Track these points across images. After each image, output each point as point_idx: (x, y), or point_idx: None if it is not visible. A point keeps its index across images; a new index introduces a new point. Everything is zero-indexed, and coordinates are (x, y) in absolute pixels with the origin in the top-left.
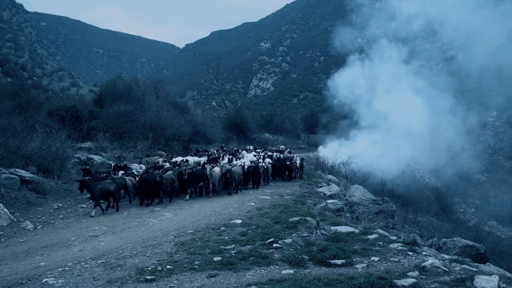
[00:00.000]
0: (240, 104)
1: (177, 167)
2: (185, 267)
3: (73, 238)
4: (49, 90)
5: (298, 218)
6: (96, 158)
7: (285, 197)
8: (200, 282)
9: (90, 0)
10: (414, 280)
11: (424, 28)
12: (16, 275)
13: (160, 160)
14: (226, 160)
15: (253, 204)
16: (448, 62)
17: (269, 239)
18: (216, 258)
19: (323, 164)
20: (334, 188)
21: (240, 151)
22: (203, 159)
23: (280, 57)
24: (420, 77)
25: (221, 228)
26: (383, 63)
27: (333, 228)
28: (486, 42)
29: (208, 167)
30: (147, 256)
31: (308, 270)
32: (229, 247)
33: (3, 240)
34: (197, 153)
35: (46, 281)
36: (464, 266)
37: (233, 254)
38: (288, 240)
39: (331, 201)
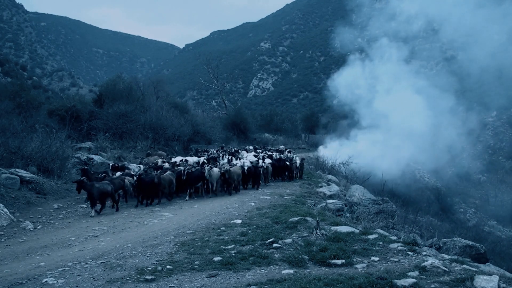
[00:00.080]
0: (240, 104)
1: (176, 167)
2: (185, 267)
3: (73, 238)
4: (49, 90)
5: (298, 218)
6: (96, 158)
7: (285, 197)
8: (200, 282)
9: (90, 0)
10: (414, 280)
11: (424, 28)
12: (16, 275)
13: (159, 160)
14: (225, 160)
15: (253, 204)
16: (448, 62)
17: (269, 239)
18: (216, 258)
19: (323, 164)
20: (334, 188)
21: (239, 151)
22: (202, 159)
23: (280, 57)
24: (420, 77)
25: (221, 228)
26: (383, 62)
27: (333, 228)
28: (486, 42)
29: (206, 167)
30: (147, 256)
31: (308, 270)
32: (229, 247)
33: (3, 240)
34: (196, 153)
35: (46, 281)
36: (464, 266)
37: (233, 254)
38: (288, 240)
39: (331, 201)
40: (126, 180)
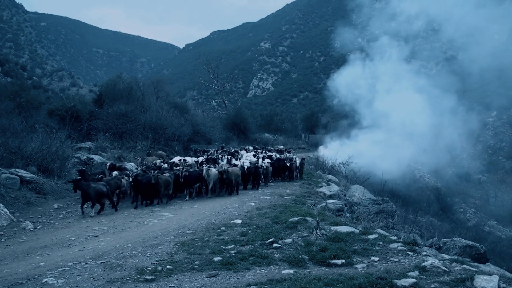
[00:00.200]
0: (240, 104)
1: (175, 168)
2: (185, 267)
3: (73, 238)
4: (49, 90)
5: (298, 218)
6: (96, 158)
7: (285, 197)
8: (200, 282)
9: (90, 0)
10: (414, 280)
11: (424, 28)
12: (16, 275)
13: (158, 161)
14: (225, 160)
15: (253, 204)
16: (448, 62)
17: (269, 239)
18: (216, 258)
19: (323, 164)
20: (334, 188)
21: (239, 151)
22: (201, 159)
23: (280, 57)
24: (420, 77)
25: (221, 228)
26: (383, 62)
27: (333, 228)
28: (486, 42)
29: (204, 167)
30: (147, 256)
31: (308, 270)
32: (229, 247)
33: (3, 240)
34: (195, 153)
35: (46, 281)
36: (464, 266)
37: (233, 254)
38: (288, 240)
39: (331, 201)
40: (123, 181)
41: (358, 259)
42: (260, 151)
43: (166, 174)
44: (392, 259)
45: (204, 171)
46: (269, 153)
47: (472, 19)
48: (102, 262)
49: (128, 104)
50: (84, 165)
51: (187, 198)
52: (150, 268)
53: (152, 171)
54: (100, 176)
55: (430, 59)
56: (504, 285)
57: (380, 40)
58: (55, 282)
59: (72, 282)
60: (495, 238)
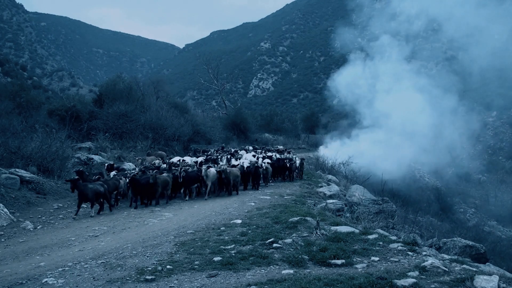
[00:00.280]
0: (240, 104)
1: (173, 168)
2: (185, 267)
3: (73, 238)
4: (49, 90)
5: (298, 218)
6: (96, 158)
7: (285, 197)
8: (200, 282)
9: (90, 0)
10: (414, 280)
11: (424, 28)
12: (16, 275)
13: (157, 161)
14: (224, 160)
15: (253, 204)
16: (448, 62)
17: (269, 239)
18: (216, 258)
19: (323, 164)
20: (334, 188)
21: (238, 151)
22: (201, 159)
23: (280, 57)
24: (420, 76)
25: (221, 228)
26: (383, 62)
27: (333, 228)
28: (486, 41)
29: (203, 168)
30: (147, 256)
31: (308, 270)
32: (229, 247)
33: (3, 240)
34: (195, 153)
35: (46, 281)
36: (464, 266)
37: (233, 254)
38: (288, 240)
39: (331, 201)
40: (121, 181)
41: (358, 259)
42: (259, 151)
43: (165, 174)
44: (392, 259)
45: (203, 171)
46: (269, 153)
47: (473, 19)
48: (102, 262)
49: (128, 104)
50: (84, 165)
51: (187, 198)
52: (150, 268)
53: (151, 171)
54: (97, 176)
55: (430, 59)
56: (504, 285)
57: (380, 40)
58: (55, 282)
59: (72, 282)
60: (495, 238)
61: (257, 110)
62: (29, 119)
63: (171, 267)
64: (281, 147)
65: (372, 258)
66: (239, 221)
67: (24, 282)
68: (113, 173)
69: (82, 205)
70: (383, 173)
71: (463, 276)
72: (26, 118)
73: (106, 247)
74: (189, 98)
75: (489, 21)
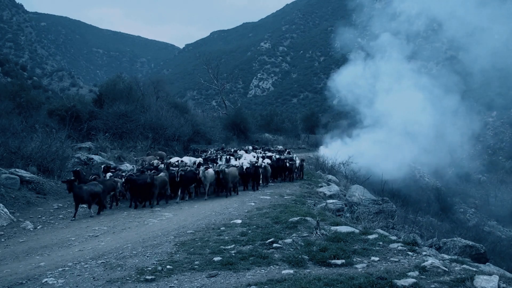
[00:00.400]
0: (240, 104)
1: (171, 168)
2: (185, 267)
3: (73, 238)
4: (49, 90)
5: (298, 218)
6: (96, 158)
7: (285, 197)
8: (200, 282)
9: (90, 0)
10: (414, 280)
11: (424, 28)
12: (16, 275)
13: (155, 161)
14: (223, 161)
15: (253, 204)
16: (448, 62)
17: (269, 239)
18: (216, 258)
19: (323, 164)
20: (334, 188)
21: (238, 151)
22: (199, 159)
23: (280, 57)
24: (420, 76)
25: (221, 228)
26: (383, 62)
27: (333, 228)
28: (487, 41)
29: (201, 168)
30: (147, 256)
31: (308, 270)
32: (229, 247)
33: (3, 240)
34: (194, 153)
35: (46, 281)
36: (464, 266)
37: (233, 254)
38: (288, 240)
39: (331, 201)
40: (118, 182)
41: (358, 259)
42: (259, 151)
43: (162, 174)
44: (392, 259)
45: (201, 172)
46: (269, 153)
47: (473, 19)
48: (102, 262)
49: (128, 104)
50: (84, 165)
51: (187, 198)
52: (150, 268)
53: (148, 171)
54: (94, 177)
55: (430, 59)
56: (504, 285)
57: (381, 40)
58: (55, 282)
59: (72, 282)
60: (495, 238)
61: (257, 110)
62: (29, 119)
63: (171, 267)
64: (281, 147)
65: (372, 258)
66: (239, 221)
67: (24, 282)
68: (109, 174)
69: (82, 205)
70: (383, 173)
71: (463, 276)
72: (26, 118)
73: (106, 247)
74: (189, 98)
75: (489, 21)
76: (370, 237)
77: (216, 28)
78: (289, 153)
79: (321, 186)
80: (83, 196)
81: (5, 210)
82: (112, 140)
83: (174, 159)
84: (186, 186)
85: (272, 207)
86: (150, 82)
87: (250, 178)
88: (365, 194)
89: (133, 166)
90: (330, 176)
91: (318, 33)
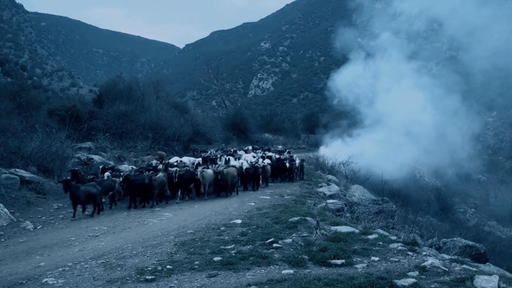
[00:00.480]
0: (240, 104)
1: (170, 168)
2: (185, 267)
3: (73, 238)
4: (49, 90)
5: (298, 218)
6: (96, 158)
7: (285, 197)
8: (200, 282)
9: (90, 0)
10: (414, 280)
11: (425, 28)
12: (16, 275)
13: (154, 161)
14: (223, 161)
15: (253, 204)
16: (448, 62)
17: (269, 239)
18: (216, 258)
19: (323, 164)
20: (334, 188)
21: (237, 151)
22: (199, 159)
23: (280, 57)
24: (421, 76)
25: (221, 228)
26: (383, 62)
27: (333, 228)
28: (487, 41)
29: (199, 169)
30: (147, 256)
31: (308, 270)
32: (229, 247)
33: (3, 240)
34: (194, 153)
35: (46, 281)
36: (464, 266)
37: (233, 254)
38: (288, 240)
39: (331, 201)
40: (117, 182)
41: (358, 259)
42: (259, 151)
43: (161, 175)
44: (392, 259)
45: (199, 173)
46: (269, 154)
47: (473, 18)
48: (102, 262)
49: (128, 104)
50: (84, 165)
51: (187, 198)
52: (150, 268)
53: (147, 171)
54: (92, 177)
55: (430, 59)
56: (504, 285)
57: (381, 40)
58: (55, 282)
59: (72, 282)
60: (495, 238)
61: (257, 110)
62: (29, 119)
63: (171, 267)
64: (280, 147)
65: (372, 258)
66: (239, 221)
67: (24, 282)
68: (107, 174)
69: (89, 204)
70: (383, 173)
71: (463, 276)
72: (26, 118)
73: (106, 247)
74: (189, 98)
75: (490, 20)
76: (370, 237)
77: (216, 28)
78: (289, 153)
79: (321, 186)
80: (79, 196)
81: (5, 210)
82: (112, 140)
83: (173, 159)
84: (185, 187)
85: (272, 207)
86: (150, 82)
87: (249, 179)
88: (365, 194)
89: (131, 167)
90: (330, 176)
91: (318, 33)
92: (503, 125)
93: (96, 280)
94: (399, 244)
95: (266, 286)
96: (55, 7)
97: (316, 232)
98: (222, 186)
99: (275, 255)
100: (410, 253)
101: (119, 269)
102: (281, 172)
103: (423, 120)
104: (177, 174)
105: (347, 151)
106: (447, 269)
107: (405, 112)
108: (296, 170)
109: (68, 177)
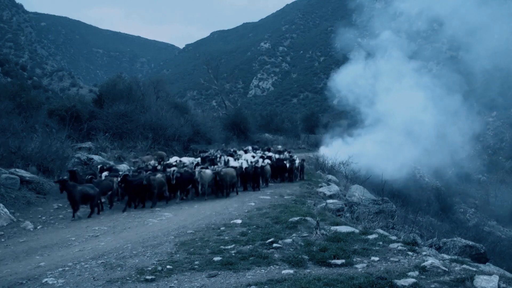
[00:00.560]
0: (240, 104)
1: (168, 169)
2: (185, 267)
3: (73, 238)
4: (49, 90)
5: (298, 218)
6: (96, 158)
7: (285, 197)
8: (200, 282)
9: (90, 0)
10: (414, 280)
11: (425, 28)
12: (16, 275)
13: (152, 162)
14: (222, 161)
15: (253, 204)
16: (448, 62)
17: (269, 239)
18: (216, 258)
19: (323, 164)
20: (334, 188)
21: (237, 151)
22: (197, 160)
23: (280, 57)
24: (421, 76)
25: (221, 228)
26: (383, 62)
27: (333, 228)
28: (487, 41)
29: (197, 169)
30: (147, 256)
31: (308, 270)
32: (229, 247)
33: (3, 240)
34: (193, 153)
35: (46, 281)
36: (464, 266)
37: (233, 254)
38: (288, 240)
39: (331, 201)
40: (115, 182)
41: (358, 259)
42: (259, 151)
43: (159, 175)
44: (392, 259)
45: (196, 173)
46: (269, 154)
47: (473, 18)
48: (102, 262)
49: (128, 104)
50: (84, 165)
51: (184, 197)
52: (150, 268)
53: (145, 172)
54: (90, 177)
55: (430, 59)
56: (504, 285)
57: (381, 40)
58: (55, 282)
59: (72, 282)
60: (495, 238)
61: (257, 110)
62: (29, 119)
63: (171, 267)
64: (280, 147)
65: (372, 258)
66: (239, 221)
67: (24, 282)
68: (104, 174)
69: (82, 205)
70: (383, 173)
71: (463, 276)
72: (26, 118)
73: (106, 247)
74: (189, 98)
75: (490, 20)
76: (370, 237)
77: (216, 28)
78: (289, 153)
79: (321, 186)
80: (74, 196)
81: (5, 210)
82: (112, 140)
83: (172, 159)
84: (183, 187)
85: (272, 207)
86: (150, 82)
87: (249, 179)
88: (365, 194)
89: (130, 167)
90: (330, 176)
91: (318, 33)
92: (503, 125)
93: (96, 280)
94: (399, 244)
95: (266, 286)
96: (55, 7)
97: (316, 232)
98: (220, 187)
99: (275, 255)
100: (410, 253)
101: (119, 269)
102: (281, 172)
103: (423, 120)
104: (175, 175)
105: (347, 151)
106: (447, 269)
107: (405, 112)
108: (296, 170)
109: (65, 177)
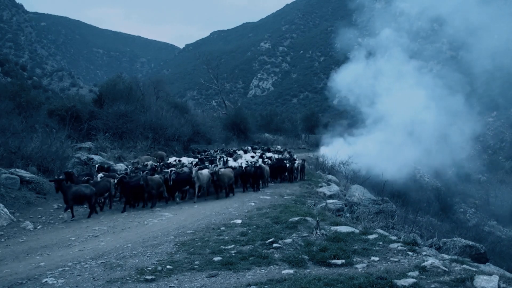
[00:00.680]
0: (240, 104)
1: (165, 170)
2: (185, 267)
3: (73, 238)
4: (49, 90)
5: (298, 218)
6: (96, 158)
7: (285, 197)
8: (200, 282)
9: (90, 0)
10: (414, 280)
11: (425, 28)
12: (16, 275)
13: (150, 162)
14: (221, 162)
15: (253, 204)
16: (448, 62)
17: (269, 239)
18: (216, 258)
19: (323, 164)
20: (334, 188)
21: (236, 151)
22: (196, 160)
23: (280, 57)
24: (421, 76)
25: (221, 228)
26: (383, 62)
27: (333, 228)
28: (487, 41)
29: (194, 169)
30: (147, 256)
31: (308, 270)
32: (229, 247)
33: (3, 240)
34: (193, 153)
35: (46, 281)
36: (464, 266)
37: (233, 254)
38: (288, 240)
39: (331, 201)
40: (112, 183)
41: (358, 259)
42: (258, 151)
43: (157, 176)
44: (392, 259)
45: (193, 173)
46: (268, 154)
47: (474, 18)
48: (102, 262)
49: (128, 104)
50: (84, 165)
51: (177, 200)
52: (150, 268)
53: (141, 172)
54: (86, 178)
55: (430, 59)
56: (504, 285)
57: (381, 38)
58: (55, 282)
59: (72, 282)
60: (495, 238)
61: (257, 110)
62: (29, 119)
63: (171, 267)
64: (280, 147)
65: (372, 258)
66: (239, 221)
67: (24, 282)
68: (100, 175)
69: (82, 205)
70: (383, 173)
71: (463, 276)
72: (26, 118)
73: (106, 247)
74: (189, 98)
75: (490, 20)
76: (370, 237)
77: (216, 28)
78: (289, 153)
79: (321, 186)
80: (67, 196)
81: (5, 210)
82: (112, 140)
83: (171, 159)
84: (181, 188)
85: (272, 207)
86: (150, 82)
87: (249, 179)
88: (365, 194)
89: (127, 166)
90: (330, 176)
91: (318, 33)
92: (503, 125)
93: (96, 280)
94: (399, 244)
95: (266, 286)
96: (55, 7)
97: (316, 232)
98: (218, 187)
99: (275, 255)
100: (410, 253)
101: (119, 269)
102: (281, 172)
103: (423, 120)
104: (172, 176)
105: (347, 151)
106: (447, 269)
107: (405, 112)
108: (296, 170)
109: (62, 177)
